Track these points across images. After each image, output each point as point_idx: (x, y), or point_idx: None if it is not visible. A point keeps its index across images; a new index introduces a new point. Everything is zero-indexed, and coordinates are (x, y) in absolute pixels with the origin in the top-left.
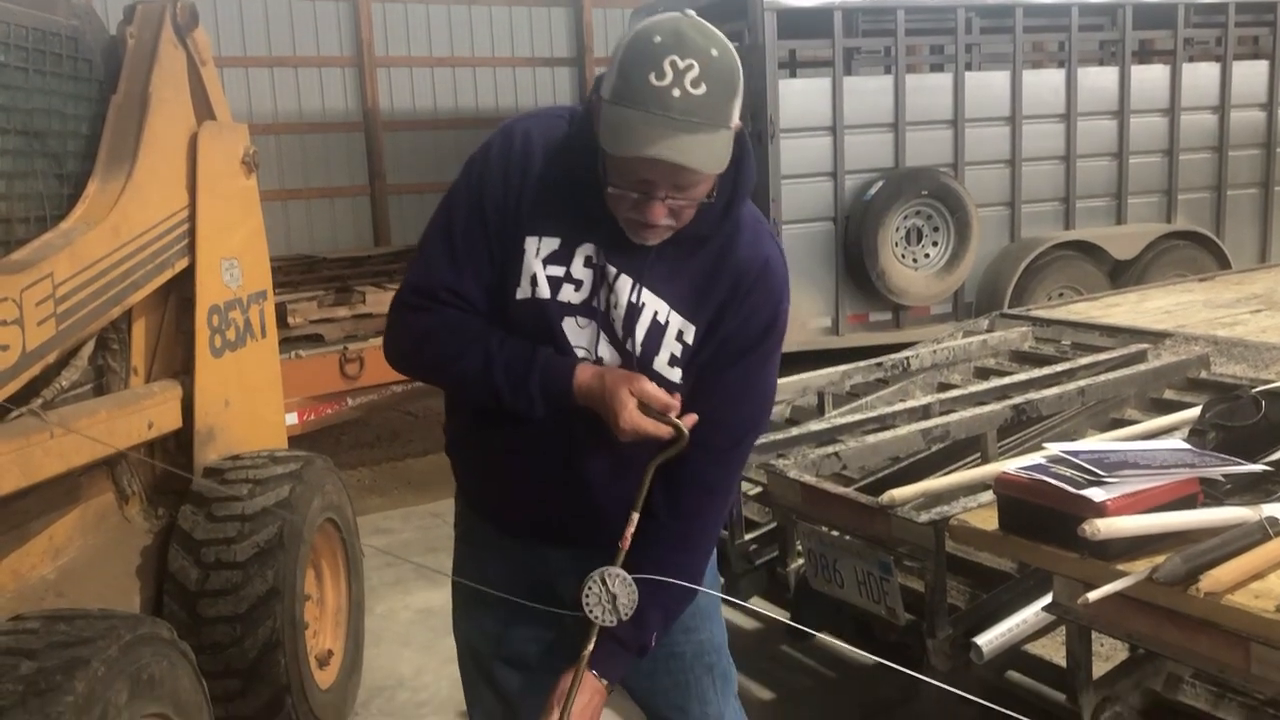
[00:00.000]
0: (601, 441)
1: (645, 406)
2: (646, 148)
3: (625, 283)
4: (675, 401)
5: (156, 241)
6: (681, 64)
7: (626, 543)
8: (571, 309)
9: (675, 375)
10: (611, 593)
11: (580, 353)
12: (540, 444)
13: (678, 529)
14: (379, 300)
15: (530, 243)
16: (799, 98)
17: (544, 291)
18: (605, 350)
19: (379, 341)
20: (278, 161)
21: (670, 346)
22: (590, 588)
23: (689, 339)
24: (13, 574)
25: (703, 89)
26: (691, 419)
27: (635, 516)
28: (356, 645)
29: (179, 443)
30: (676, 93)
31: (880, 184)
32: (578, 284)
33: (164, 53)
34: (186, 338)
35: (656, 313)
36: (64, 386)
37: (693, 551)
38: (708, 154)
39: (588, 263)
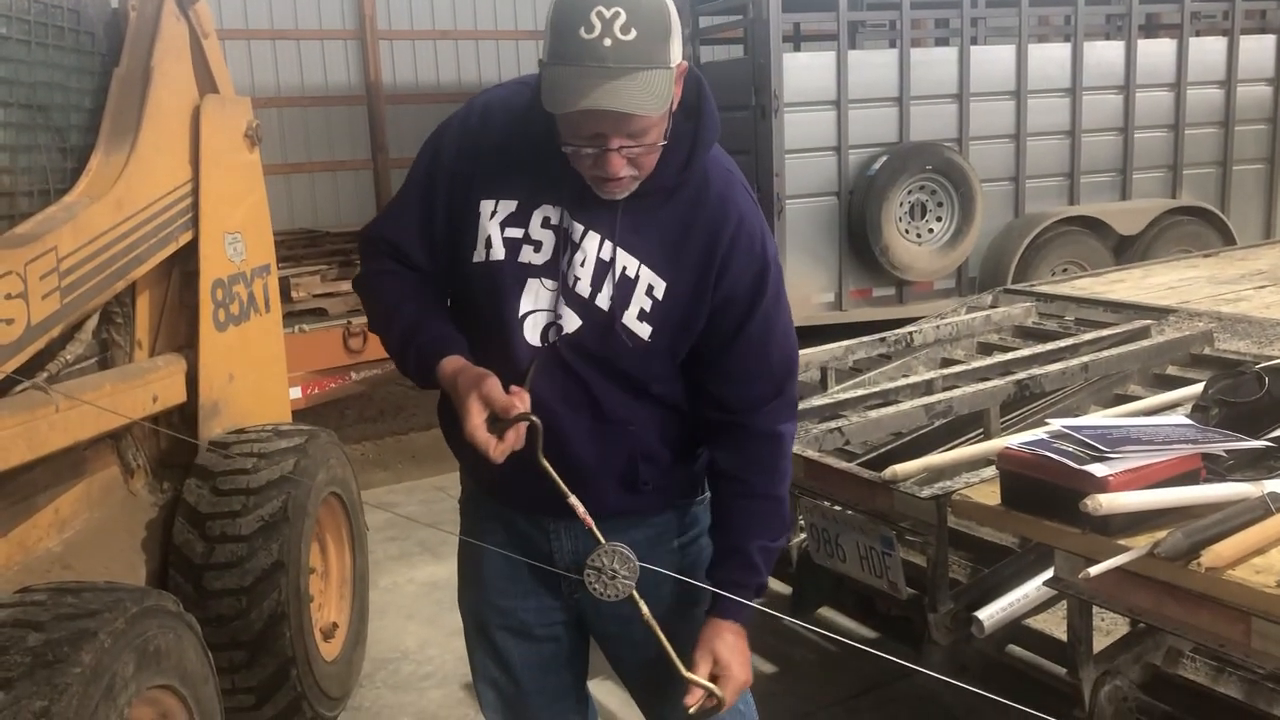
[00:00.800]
0: (582, 410)
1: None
2: (584, 101)
3: (594, 239)
4: (518, 403)
5: (160, 215)
6: (608, 13)
7: (588, 521)
8: (534, 270)
9: (644, 331)
10: (611, 569)
11: (541, 317)
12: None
13: (757, 481)
14: None
15: (486, 205)
16: (803, 72)
17: (498, 253)
18: (564, 312)
19: None
20: (280, 135)
21: (639, 301)
22: (589, 575)
23: (659, 294)
24: (19, 547)
25: (633, 34)
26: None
27: (574, 501)
28: (361, 618)
29: (183, 417)
30: (608, 42)
31: (884, 159)
32: (537, 245)
33: (166, 25)
34: (190, 312)
35: (626, 268)
36: (68, 360)
37: (776, 495)
38: (647, 95)
39: (546, 223)
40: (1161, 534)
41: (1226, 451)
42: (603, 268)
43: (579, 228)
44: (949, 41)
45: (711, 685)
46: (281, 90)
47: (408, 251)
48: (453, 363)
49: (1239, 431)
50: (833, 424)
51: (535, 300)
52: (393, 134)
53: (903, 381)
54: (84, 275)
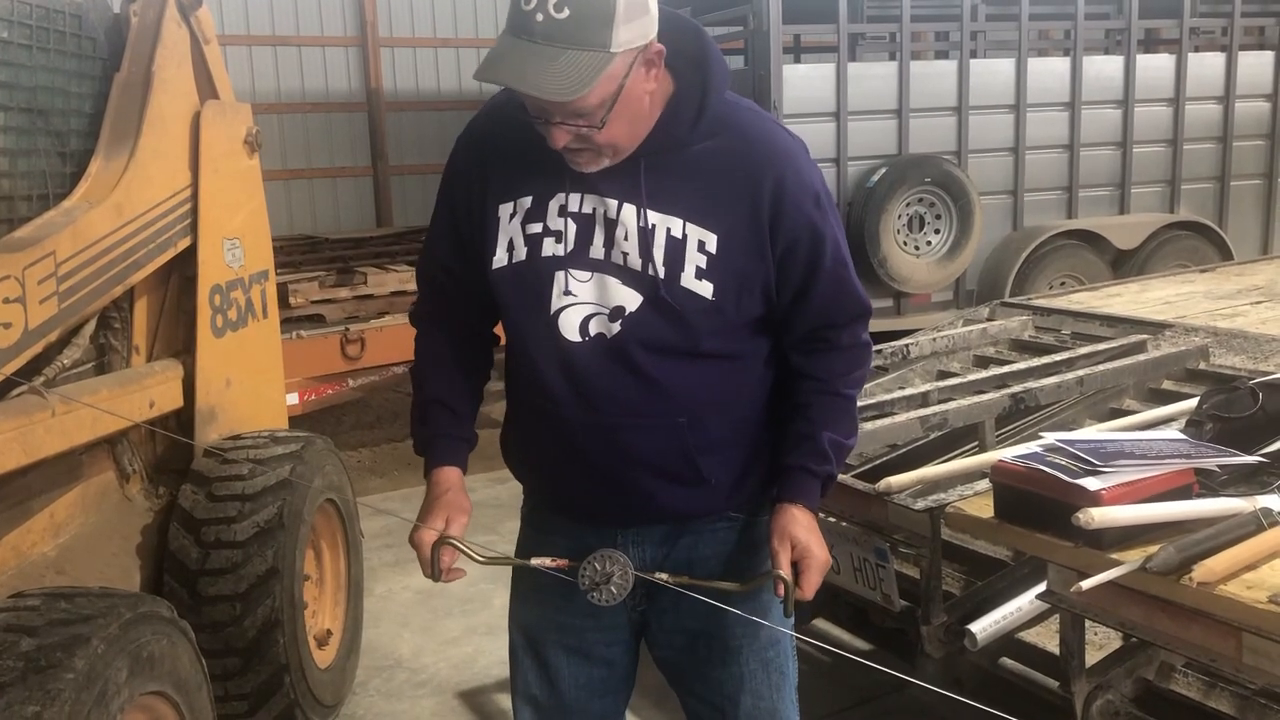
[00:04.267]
0: (639, 406)
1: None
2: (498, 73)
3: (630, 210)
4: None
5: (159, 221)
6: None
7: (560, 563)
8: (559, 261)
9: (706, 290)
10: (606, 572)
11: (575, 312)
12: (563, 424)
13: (836, 382)
14: (380, 281)
15: (504, 210)
16: (803, 83)
17: (520, 254)
18: (620, 294)
19: (380, 323)
20: (280, 141)
21: (694, 260)
22: (585, 571)
23: (711, 248)
24: (13, 551)
25: (565, 13)
26: None
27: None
28: (355, 625)
29: (180, 422)
30: (540, 17)
31: (883, 171)
32: (557, 235)
33: (167, 31)
34: (188, 317)
35: (670, 229)
36: (66, 365)
37: (850, 394)
38: (563, 79)
39: (563, 211)
40: (1154, 548)
41: (1220, 466)
42: (645, 236)
43: (611, 203)
44: (949, 54)
45: (780, 574)
46: (282, 96)
47: (454, 270)
48: (446, 477)
49: (1233, 447)
50: None
51: (566, 295)
52: (393, 141)
53: (899, 393)
54: (82, 280)
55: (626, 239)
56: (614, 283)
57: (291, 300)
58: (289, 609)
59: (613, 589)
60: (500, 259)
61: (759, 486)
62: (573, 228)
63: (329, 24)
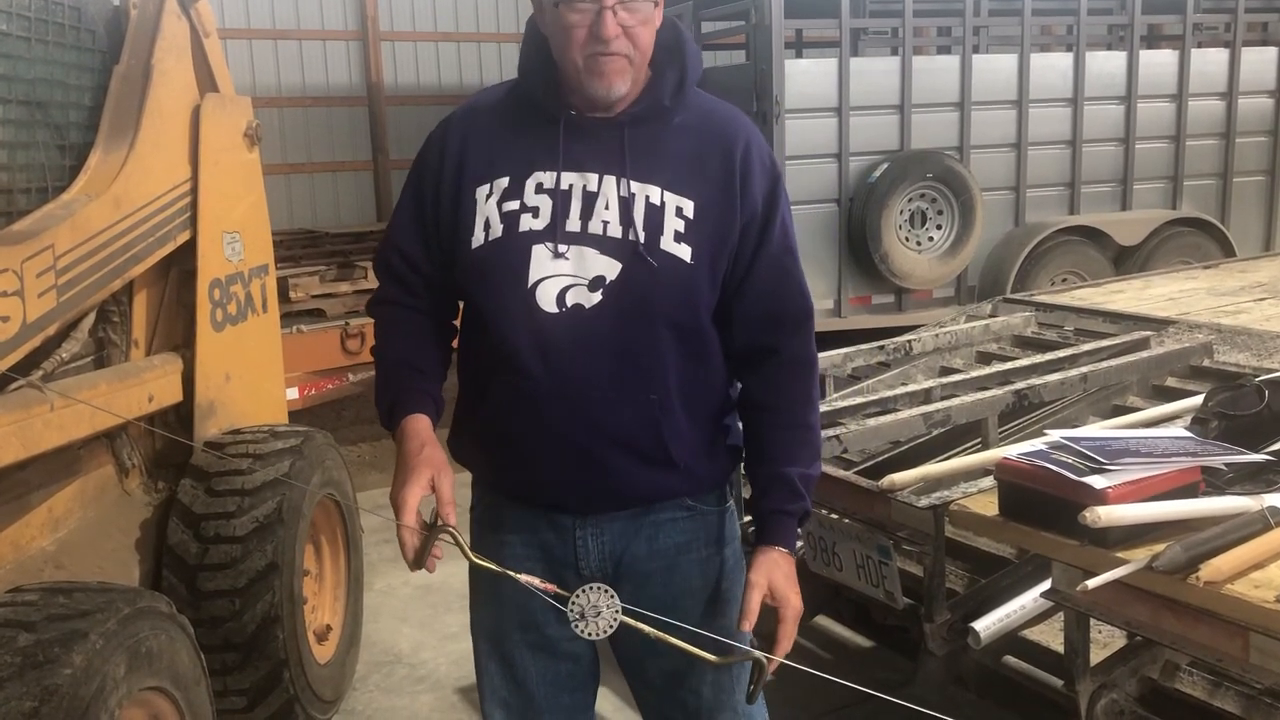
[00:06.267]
0: (610, 380)
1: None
2: None
3: (610, 181)
4: (451, 514)
5: (158, 214)
6: None
7: (548, 587)
8: (535, 236)
9: (685, 252)
10: (596, 605)
11: (552, 284)
12: (534, 399)
13: (794, 410)
14: None
15: (480, 191)
16: (805, 78)
17: (496, 231)
18: (599, 263)
19: None
20: (280, 135)
21: (672, 224)
22: (576, 600)
23: (689, 213)
24: (12, 546)
25: None
26: None
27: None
28: (355, 620)
29: (179, 417)
30: None
31: (885, 166)
32: (534, 211)
33: (167, 24)
34: (187, 311)
35: (649, 197)
36: (64, 359)
37: (810, 423)
38: None
39: (540, 189)
40: (1160, 547)
41: (1226, 465)
42: (626, 205)
43: (592, 177)
44: (951, 50)
45: (760, 654)
46: (282, 90)
47: (415, 259)
48: (418, 428)
49: (1238, 445)
50: (831, 432)
51: (543, 267)
52: (394, 135)
53: (901, 390)
54: (81, 273)
55: (607, 208)
56: (592, 253)
57: (292, 295)
58: (288, 604)
59: (600, 624)
60: (478, 238)
61: (718, 472)
62: (549, 203)
63: (329, 18)
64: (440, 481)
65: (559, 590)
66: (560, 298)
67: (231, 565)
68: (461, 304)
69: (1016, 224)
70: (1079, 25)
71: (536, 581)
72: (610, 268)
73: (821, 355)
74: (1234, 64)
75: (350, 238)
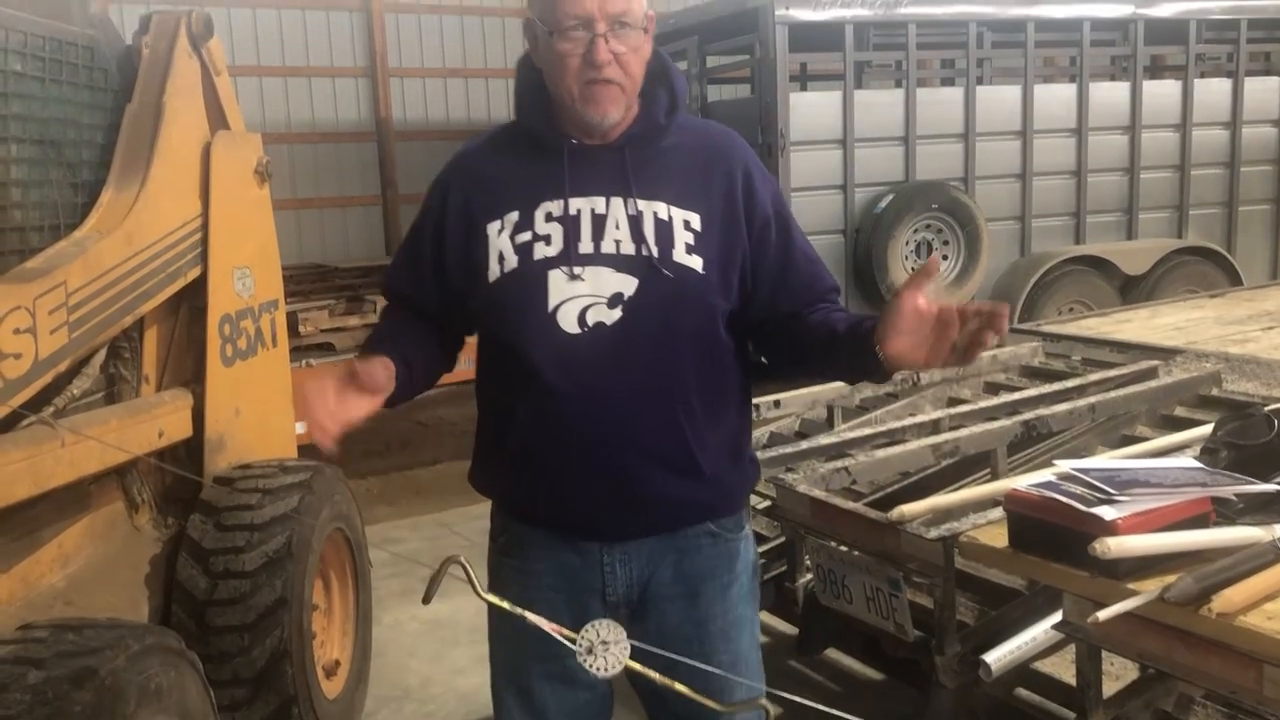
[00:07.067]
0: (636, 393)
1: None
2: None
3: (617, 203)
4: (379, 370)
5: (169, 250)
6: None
7: (558, 630)
8: (550, 262)
9: (697, 263)
10: (605, 640)
11: (572, 306)
12: (562, 418)
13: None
14: None
15: (492, 228)
16: (810, 110)
17: (511, 263)
18: (616, 281)
19: None
20: (290, 171)
21: (682, 237)
22: (585, 634)
23: (696, 226)
24: (22, 582)
25: None
26: None
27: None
28: (364, 655)
29: (189, 451)
30: None
31: (890, 197)
32: (546, 239)
33: (179, 63)
34: (198, 346)
35: (657, 213)
36: (75, 395)
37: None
38: None
39: (549, 217)
40: (1171, 578)
41: (1236, 495)
42: (635, 223)
43: (599, 200)
44: (955, 81)
45: (765, 704)
46: (292, 126)
47: (419, 302)
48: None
49: (1248, 474)
50: (839, 463)
51: (561, 291)
52: (402, 170)
53: (909, 420)
54: (93, 310)
55: (617, 228)
56: (607, 271)
57: (301, 329)
58: (297, 639)
59: (609, 659)
60: (494, 272)
61: (742, 483)
62: (560, 229)
63: (339, 55)
64: (360, 364)
65: (566, 631)
66: (581, 318)
67: (241, 600)
68: (476, 340)
69: (1022, 254)
70: (1082, 56)
71: (545, 622)
72: (626, 284)
73: (829, 386)
74: (1237, 94)
75: (359, 272)
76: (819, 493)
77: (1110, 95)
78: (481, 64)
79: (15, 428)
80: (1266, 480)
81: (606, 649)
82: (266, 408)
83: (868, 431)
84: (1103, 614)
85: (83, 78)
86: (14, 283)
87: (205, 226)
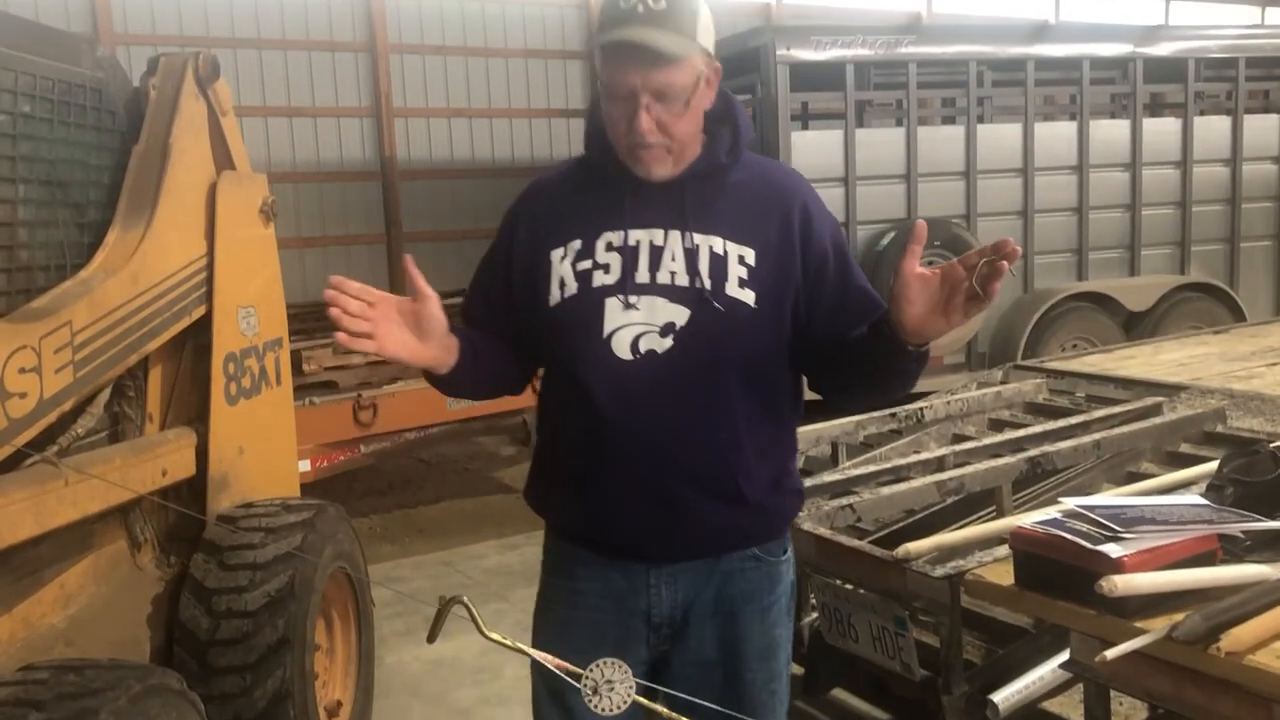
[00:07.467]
0: (682, 421)
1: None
2: (612, 35)
3: (675, 236)
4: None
5: (174, 290)
6: None
7: (561, 665)
8: (608, 290)
9: (749, 297)
10: (610, 680)
11: (626, 333)
12: (613, 440)
13: None
14: None
15: (555, 254)
16: (812, 149)
17: (571, 289)
18: (669, 311)
19: (393, 388)
20: (295, 210)
21: (736, 271)
22: (590, 673)
23: (750, 261)
24: (23, 623)
25: (663, 4)
26: None
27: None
28: (366, 696)
29: (192, 490)
30: (641, 8)
31: (893, 235)
32: (605, 267)
33: (185, 104)
34: (202, 385)
35: (712, 247)
36: (80, 434)
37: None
38: (669, 42)
39: (610, 247)
40: (1179, 616)
41: (1243, 532)
42: (691, 255)
43: (658, 232)
44: (956, 120)
45: None
46: (298, 166)
47: (493, 327)
48: None
49: (1254, 511)
50: (844, 500)
51: (616, 318)
52: (406, 208)
53: (914, 458)
54: (98, 349)
55: (673, 260)
56: (662, 301)
57: (305, 367)
58: (299, 680)
59: (614, 699)
60: (554, 296)
61: (784, 510)
62: (619, 259)
63: (344, 95)
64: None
65: (571, 668)
66: (634, 345)
67: (243, 640)
68: (542, 368)
69: (1025, 290)
70: (1082, 94)
71: (550, 659)
72: (679, 314)
73: (833, 423)
74: (1236, 131)
75: None
76: (824, 530)
77: (1111, 133)
78: (485, 104)
79: (19, 467)
80: (1273, 517)
81: (611, 688)
82: (270, 446)
83: (872, 469)
84: (1110, 653)
85: (90, 119)
86: (20, 322)
87: (210, 266)
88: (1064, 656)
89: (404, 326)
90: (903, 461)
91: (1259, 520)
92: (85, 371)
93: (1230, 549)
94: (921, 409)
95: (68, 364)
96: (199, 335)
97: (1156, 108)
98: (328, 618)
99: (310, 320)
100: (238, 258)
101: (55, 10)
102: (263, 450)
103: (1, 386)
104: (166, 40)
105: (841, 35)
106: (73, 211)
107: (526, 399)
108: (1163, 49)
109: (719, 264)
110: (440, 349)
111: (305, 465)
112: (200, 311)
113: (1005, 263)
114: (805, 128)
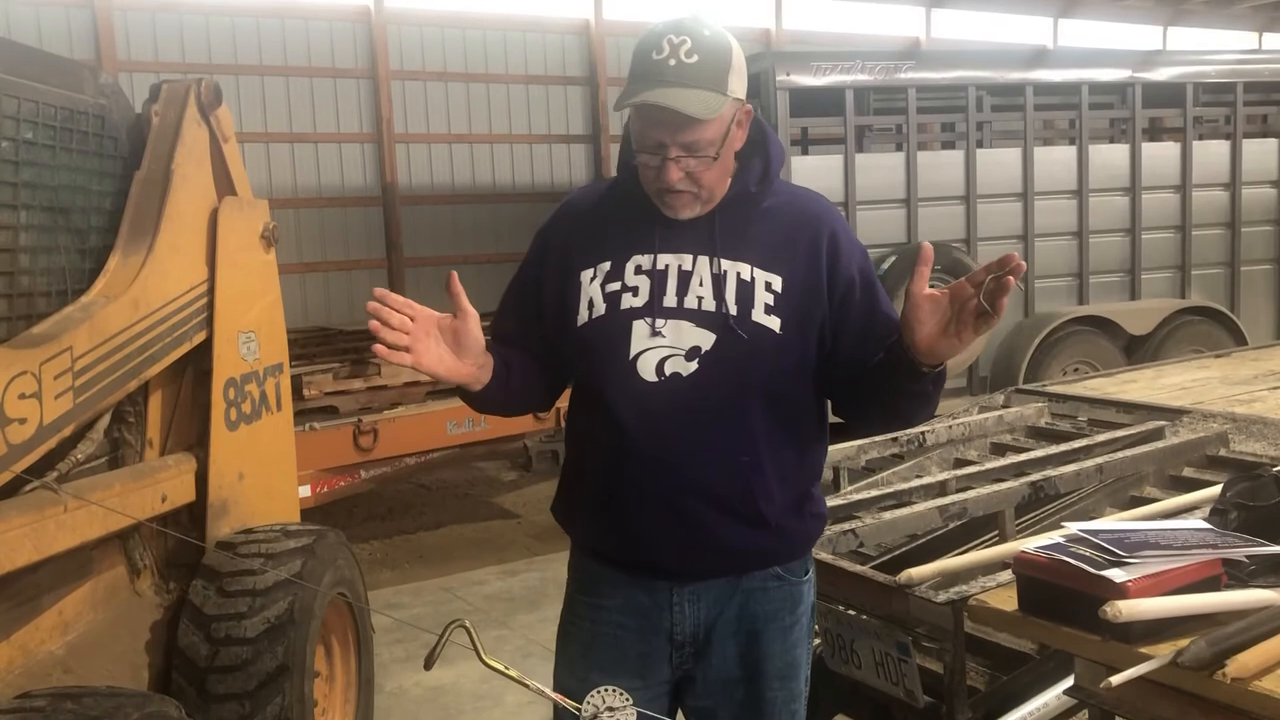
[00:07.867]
0: (705, 445)
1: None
2: (641, 97)
3: (703, 261)
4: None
5: (175, 315)
6: (676, 40)
7: (558, 697)
8: (636, 312)
9: (775, 324)
10: (610, 706)
11: (652, 355)
12: (636, 460)
13: None
14: (394, 372)
15: (585, 275)
16: (811, 174)
17: (600, 309)
18: (695, 335)
19: (394, 413)
20: (296, 235)
21: (762, 297)
22: (591, 700)
23: (777, 288)
24: (21, 650)
25: (695, 58)
26: None
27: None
28: None
29: (192, 516)
30: (672, 62)
31: (893, 259)
32: (634, 290)
33: (187, 130)
34: (202, 410)
35: (740, 273)
36: (80, 459)
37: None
38: (698, 104)
39: (639, 270)
40: (1184, 642)
41: (1247, 557)
42: (718, 281)
43: (686, 257)
44: (955, 145)
45: None
46: (299, 191)
47: (522, 343)
48: None
49: (1258, 535)
50: (846, 525)
51: (643, 341)
52: (407, 233)
53: (916, 482)
54: (98, 375)
55: (701, 285)
56: (688, 325)
57: (305, 392)
58: (299, 707)
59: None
60: (583, 316)
61: (806, 533)
62: (648, 282)
63: (345, 121)
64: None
65: (570, 702)
66: (659, 367)
67: (242, 667)
68: (570, 388)
69: (1026, 314)
70: (1081, 119)
71: (548, 690)
72: (704, 339)
73: (834, 447)
74: (1235, 155)
75: (364, 334)
76: (826, 556)
77: (1110, 157)
78: (486, 129)
79: (19, 493)
80: (1277, 542)
81: (613, 715)
82: (270, 471)
83: (874, 493)
84: (1115, 679)
85: (93, 145)
86: (20, 348)
87: (211, 291)
88: (1068, 683)
89: (442, 343)
90: (905, 486)
91: (1263, 545)
92: (85, 397)
93: (1235, 574)
94: (923, 433)
95: (68, 389)
96: (200, 360)
97: (1155, 132)
98: (327, 644)
99: (311, 345)
100: (239, 283)
101: (58, 38)
102: (263, 476)
103: (1, 412)
104: (169, 67)
105: (841, 61)
106: (74, 237)
107: (527, 423)
108: (1161, 74)
109: (746, 290)
110: (476, 367)
111: (305, 490)
112: (201, 337)
113: (1011, 278)
114: (805, 153)
